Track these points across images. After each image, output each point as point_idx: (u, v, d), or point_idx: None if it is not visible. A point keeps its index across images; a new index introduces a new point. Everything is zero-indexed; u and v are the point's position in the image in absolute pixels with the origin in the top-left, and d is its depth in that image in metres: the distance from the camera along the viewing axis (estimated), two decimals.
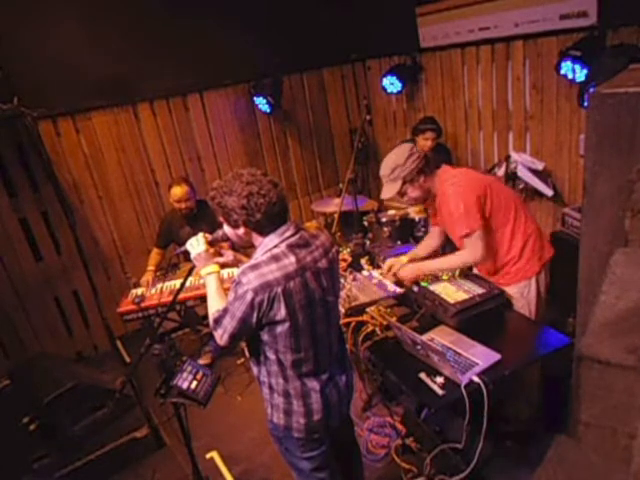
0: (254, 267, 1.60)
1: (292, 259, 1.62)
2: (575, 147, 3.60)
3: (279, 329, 1.64)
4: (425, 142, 4.08)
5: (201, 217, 3.47)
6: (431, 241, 2.74)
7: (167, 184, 4.29)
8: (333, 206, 3.99)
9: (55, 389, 2.82)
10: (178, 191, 3.44)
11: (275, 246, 1.65)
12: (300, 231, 1.71)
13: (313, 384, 1.77)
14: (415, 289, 2.45)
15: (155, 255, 3.67)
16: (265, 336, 1.67)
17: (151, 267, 3.57)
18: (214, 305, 1.75)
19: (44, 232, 3.90)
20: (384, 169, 2.40)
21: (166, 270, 3.46)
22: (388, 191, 2.41)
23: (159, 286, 3.36)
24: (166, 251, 3.70)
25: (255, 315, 1.59)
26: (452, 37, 4.12)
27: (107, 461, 2.87)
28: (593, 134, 1.44)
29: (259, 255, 1.67)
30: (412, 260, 2.65)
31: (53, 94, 3.63)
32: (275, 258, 1.62)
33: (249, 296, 1.56)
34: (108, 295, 3.99)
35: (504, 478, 2.08)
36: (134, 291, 3.38)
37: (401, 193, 2.40)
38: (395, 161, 2.34)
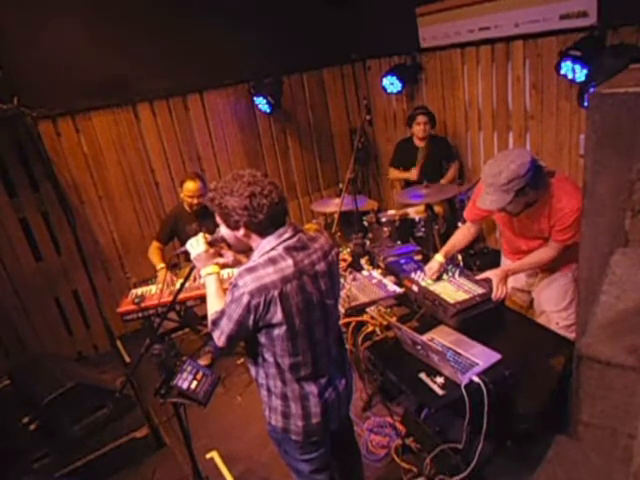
0: (251, 270, 1.59)
1: (289, 262, 1.61)
2: (575, 147, 3.60)
3: (276, 332, 1.63)
4: (418, 127, 4.11)
5: (209, 215, 3.46)
6: (470, 231, 2.71)
7: (167, 184, 4.33)
8: (333, 206, 3.99)
9: (55, 389, 2.81)
10: (191, 186, 3.45)
11: (272, 248, 1.64)
12: (298, 233, 1.69)
13: (311, 388, 1.76)
14: (415, 289, 2.45)
15: (156, 251, 3.55)
16: (262, 339, 1.67)
17: (161, 265, 3.44)
18: (213, 306, 1.74)
19: (44, 232, 3.89)
20: (496, 177, 2.11)
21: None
22: (496, 201, 2.16)
23: (159, 286, 3.35)
24: (166, 248, 3.65)
25: (252, 318, 1.58)
26: (452, 37, 4.12)
27: (107, 461, 2.87)
28: (593, 134, 1.43)
29: (256, 257, 1.66)
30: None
31: (53, 94, 3.63)
32: (272, 261, 1.60)
33: (245, 299, 1.55)
34: (108, 295, 3.99)
35: (504, 478, 2.07)
36: (134, 291, 3.38)
37: (507, 205, 2.18)
38: (516, 172, 2.08)
